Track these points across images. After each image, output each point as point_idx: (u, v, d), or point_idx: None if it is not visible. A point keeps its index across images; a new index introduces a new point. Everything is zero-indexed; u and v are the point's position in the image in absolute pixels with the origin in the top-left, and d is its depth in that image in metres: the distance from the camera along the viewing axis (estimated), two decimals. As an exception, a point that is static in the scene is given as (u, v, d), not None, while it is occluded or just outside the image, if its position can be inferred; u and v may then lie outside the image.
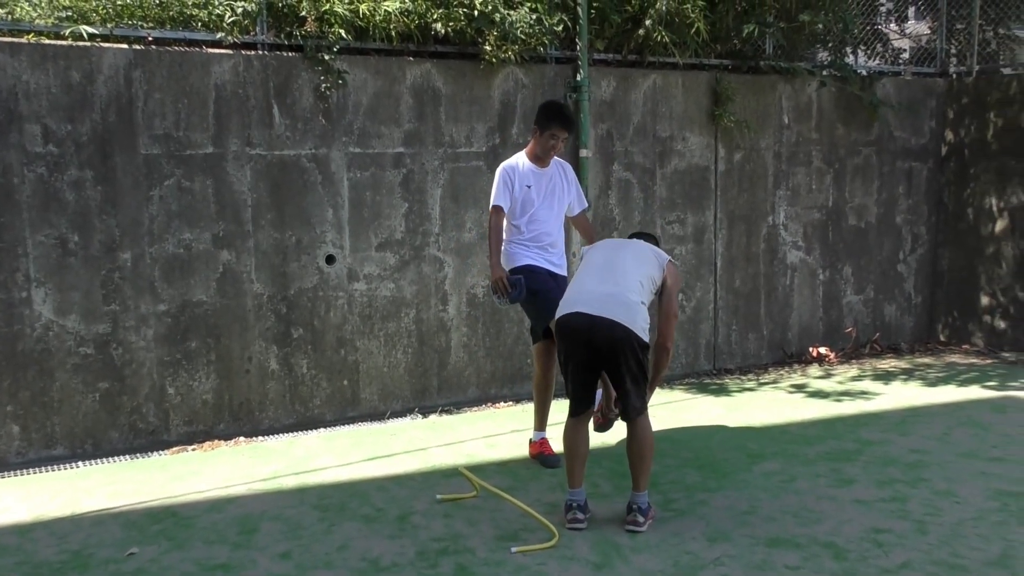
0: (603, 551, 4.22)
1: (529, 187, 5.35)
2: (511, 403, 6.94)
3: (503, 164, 5.45)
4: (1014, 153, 8.48)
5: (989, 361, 8.31)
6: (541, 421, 5.56)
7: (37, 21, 5.57)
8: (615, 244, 4.86)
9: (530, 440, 5.63)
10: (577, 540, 4.34)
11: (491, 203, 5.37)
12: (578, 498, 4.53)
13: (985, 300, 8.75)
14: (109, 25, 5.69)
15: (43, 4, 5.59)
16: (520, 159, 5.44)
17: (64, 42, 5.57)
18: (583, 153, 7.04)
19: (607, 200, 7.34)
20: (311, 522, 4.64)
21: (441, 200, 6.69)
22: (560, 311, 4.56)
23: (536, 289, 5.26)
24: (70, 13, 5.64)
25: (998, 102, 8.59)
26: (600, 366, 4.51)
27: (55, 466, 5.59)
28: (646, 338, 4.44)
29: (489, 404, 6.94)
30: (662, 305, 4.68)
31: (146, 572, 4.09)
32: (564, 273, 5.49)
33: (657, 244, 5.01)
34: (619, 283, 4.48)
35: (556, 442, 5.33)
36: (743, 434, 6.11)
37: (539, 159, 5.40)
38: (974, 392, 7.19)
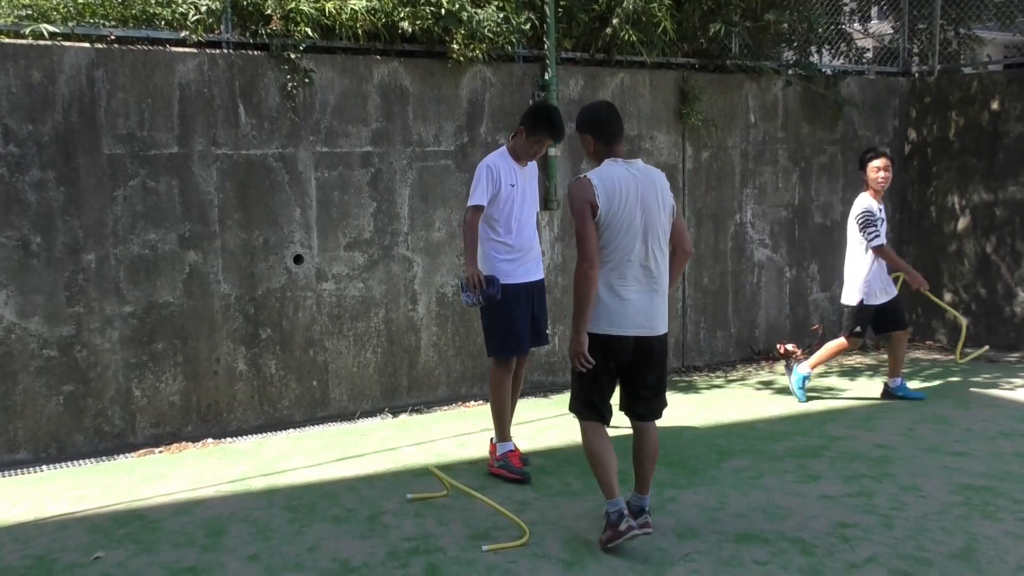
0: (574, 548, 4.23)
1: (513, 186, 5.14)
2: (481, 402, 6.93)
3: (486, 161, 5.18)
4: (975, 152, 8.61)
5: (952, 357, 8.42)
6: (506, 432, 5.33)
7: (-3, 19, 5.50)
8: (647, 204, 4.16)
9: (507, 451, 5.30)
10: (548, 538, 4.35)
11: (470, 201, 5.13)
12: (622, 506, 4.20)
13: (948, 297, 8.87)
14: (70, 24, 5.62)
15: (2, 3, 5.51)
16: (503, 156, 5.21)
17: (24, 41, 5.48)
18: (552, 152, 7.04)
19: (575, 199, 7.34)
20: (280, 524, 4.61)
21: (410, 199, 6.68)
22: (609, 326, 4.15)
23: (513, 323, 5.13)
24: (30, 12, 5.56)
25: (960, 101, 8.71)
26: (631, 375, 4.30)
27: (18, 470, 5.51)
28: None
29: (459, 403, 6.94)
30: (678, 244, 4.38)
31: (112, 577, 4.05)
32: (541, 276, 5.37)
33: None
34: (660, 278, 4.21)
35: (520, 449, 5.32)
36: (712, 431, 6.15)
37: (519, 159, 5.20)
38: (938, 388, 7.29)
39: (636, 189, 4.14)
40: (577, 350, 4.14)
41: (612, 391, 4.31)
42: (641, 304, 4.16)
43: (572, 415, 4.42)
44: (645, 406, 4.33)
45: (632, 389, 4.31)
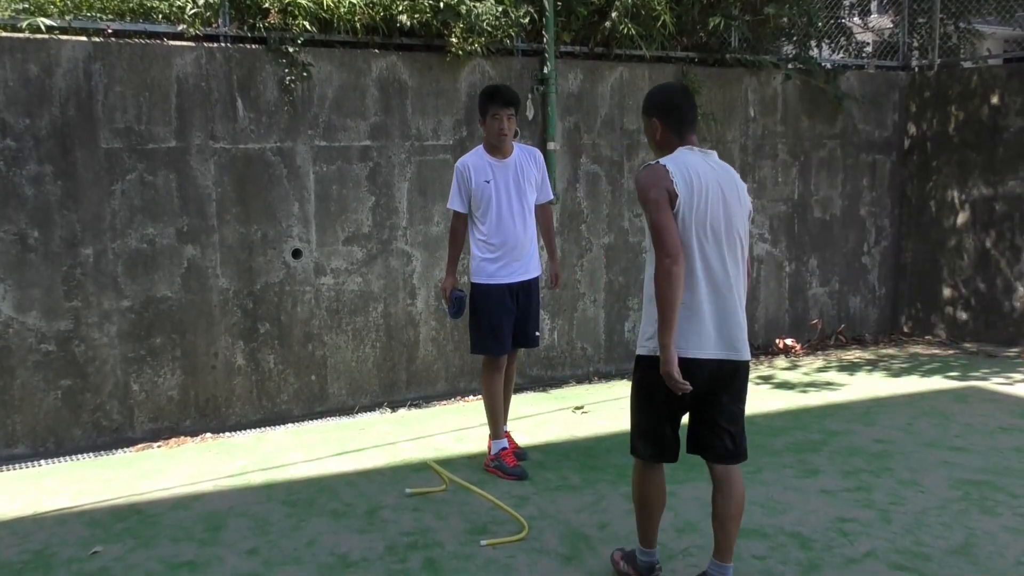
0: (572, 543, 4.23)
1: (488, 182, 5.05)
2: (480, 397, 6.92)
3: (458, 161, 5.16)
4: (974, 146, 8.60)
5: (951, 352, 8.43)
6: (499, 429, 5.32)
7: (-7, 13, 5.48)
8: (729, 203, 3.55)
9: (501, 450, 5.29)
10: (546, 533, 4.35)
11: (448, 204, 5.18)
12: (655, 560, 3.82)
13: (947, 292, 8.87)
14: (67, 17, 5.60)
15: (0, -4, 5.50)
16: (478, 153, 5.16)
17: (21, 35, 5.47)
18: (551, 146, 7.04)
19: (575, 193, 7.34)
20: (279, 518, 4.61)
21: (408, 193, 6.67)
22: (687, 347, 3.39)
23: (493, 324, 5.09)
24: (27, 5, 5.54)
25: (959, 95, 8.69)
26: (708, 405, 3.55)
27: (16, 465, 5.51)
28: None
29: (458, 398, 6.93)
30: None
31: (111, 571, 4.04)
32: (537, 273, 5.25)
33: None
34: (742, 293, 3.52)
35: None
36: (710, 425, 6.14)
37: (496, 148, 5.09)
38: (937, 382, 7.29)
39: (716, 183, 3.48)
40: (668, 370, 3.31)
41: (679, 423, 3.58)
42: (729, 321, 3.44)
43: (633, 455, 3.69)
44: (726, 442, 3.53)
45: (709, 421, 3.52)
